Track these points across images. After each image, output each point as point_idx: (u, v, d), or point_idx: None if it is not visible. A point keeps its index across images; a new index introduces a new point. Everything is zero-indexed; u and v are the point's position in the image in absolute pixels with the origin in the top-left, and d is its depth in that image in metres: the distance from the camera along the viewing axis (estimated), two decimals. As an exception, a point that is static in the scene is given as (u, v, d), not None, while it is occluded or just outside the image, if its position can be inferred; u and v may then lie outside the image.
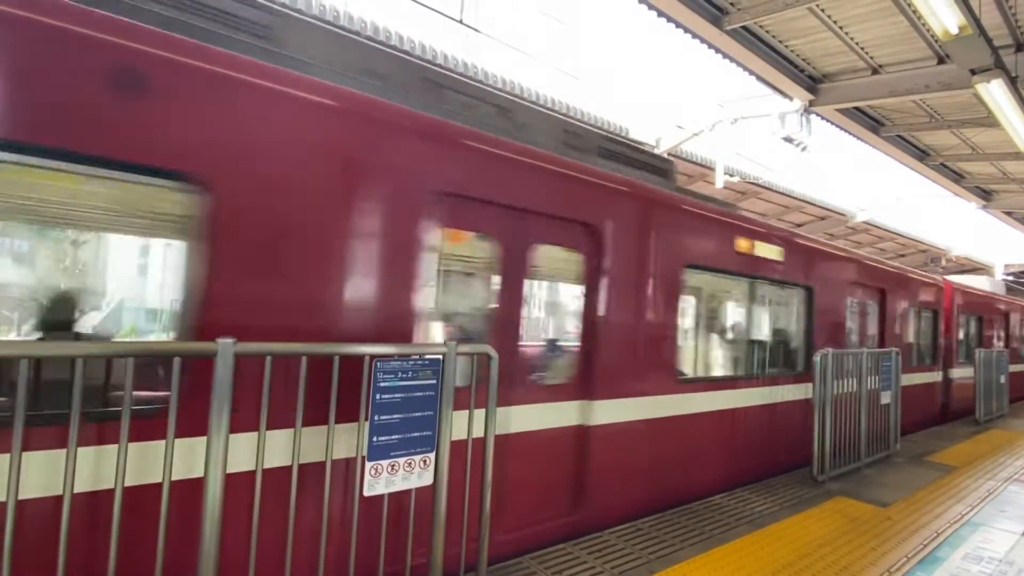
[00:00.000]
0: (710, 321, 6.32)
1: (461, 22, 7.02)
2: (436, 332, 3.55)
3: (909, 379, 8.09)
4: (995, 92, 6.27)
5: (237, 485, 2.23)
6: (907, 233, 19.64)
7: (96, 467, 2.11)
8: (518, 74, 8.82)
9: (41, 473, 1.99)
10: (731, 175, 12.28)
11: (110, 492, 1.95)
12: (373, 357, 2.54)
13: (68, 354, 1.91)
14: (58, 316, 2.93)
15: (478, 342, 3.45)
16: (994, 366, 9.75)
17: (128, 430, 1.96)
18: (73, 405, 1.86)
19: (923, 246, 20.78)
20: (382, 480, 2.53)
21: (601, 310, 4.12)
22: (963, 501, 5.12)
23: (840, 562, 3.66)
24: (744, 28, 7.34)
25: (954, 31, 5.05)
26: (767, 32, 7.63)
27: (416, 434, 2.64)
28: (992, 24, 6.62)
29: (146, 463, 2.16)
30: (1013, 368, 11.42)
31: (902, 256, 21.46)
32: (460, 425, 2.87)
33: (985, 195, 14.77)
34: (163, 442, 2.03)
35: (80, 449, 1.90)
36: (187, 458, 2.21)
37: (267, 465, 2.30)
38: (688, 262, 4.84)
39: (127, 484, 1.98)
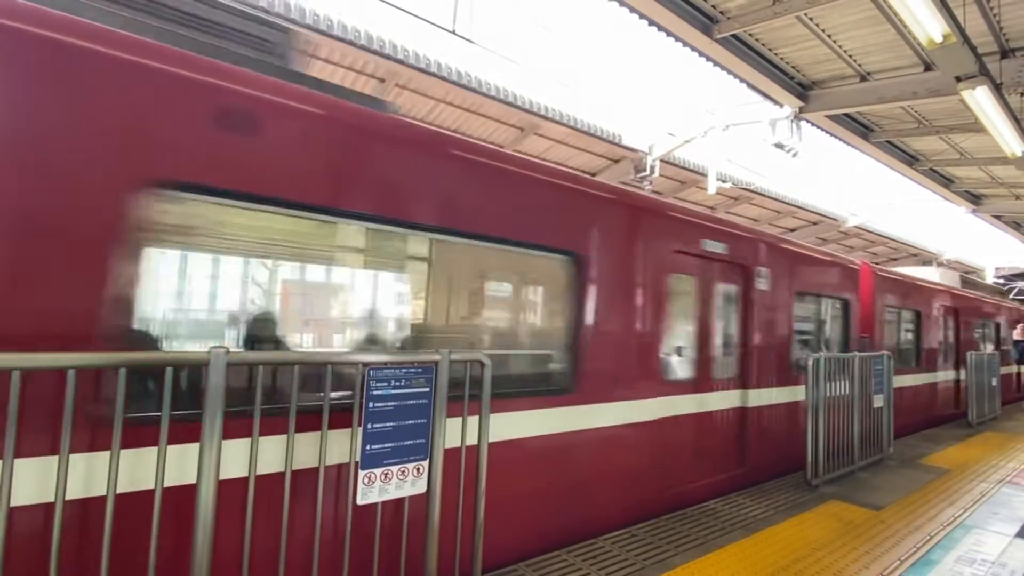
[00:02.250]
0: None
1: (454, 33, 7.09)
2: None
3: None
4: (980, 99, 6.38)
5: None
6: (899, 237, 19.83)
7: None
8: (512, 83, 8.90)
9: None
10: (723, 181, 12.39)
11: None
12: (366, 365, 2.55)
13: (61, 365, 1.92)
14: None
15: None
16: (985, 368, 9.82)
17: (120, 438, 1.98)
18: (65, 415, 1.87)
19: (915, 250, 20.99)
20: (375, 488, 2.53)
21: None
22: (956, 504, 5.15)
23: (834, 566, 3.67)
24: (734, 37, 7.45)
25: (938, 40, 5.14)
26: (757, 40, 7.74)
27: (409, 442, 2.65)
28: (977, 32, 6.74)
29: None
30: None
31: (894, 260, 21.64)
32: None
33: (975, 199, 14.94)
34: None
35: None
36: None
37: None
38: None
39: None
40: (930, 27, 5.05)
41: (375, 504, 2.59)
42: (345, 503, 2.56)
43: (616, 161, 11.99)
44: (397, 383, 2.60)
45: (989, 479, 6.08)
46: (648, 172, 11.33)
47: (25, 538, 1.96)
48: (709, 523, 4.32)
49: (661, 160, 11.47)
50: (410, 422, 2.65)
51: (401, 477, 2.62)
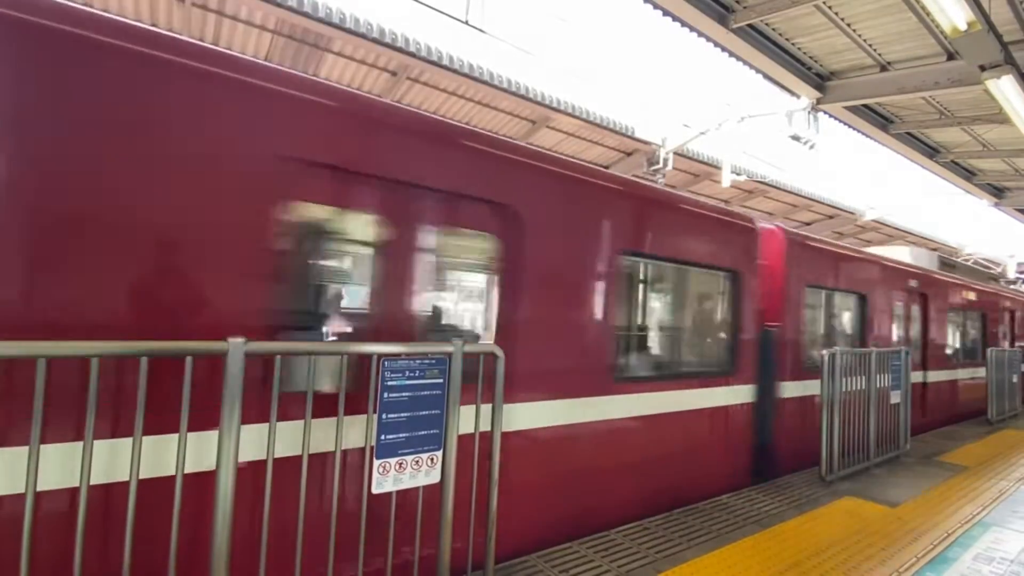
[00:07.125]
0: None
1: (467, 23, 7.07)
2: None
3: None
4: (1005, 88, 6.22)
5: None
6: (918, 231, 19.47)
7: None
8: (524, 76, 8.85)
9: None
10: (738, 174, 12.24)
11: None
12: (380, 356, 2.57)
13: (84, 354, 1.96)
14: None
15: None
16: (1006, 365, 9.63)
17: (142, 425, 2.02)
18: (89, 402, 1.92)
19: (934, 244, 20.60)
20: (390, 478, 2.56)
21: None
22: (975, 501, 5.07)
23: (848, 562, 3.64)
24: (750, 26, 7.32)
25: (963, 27, 5.01)
26: (774, 30, 7.61)
27: (423, 432, 2.67)
28: (1003, 19, 6.56)
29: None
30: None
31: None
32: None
33: (997, 192, 14.60)
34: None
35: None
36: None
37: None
38: None
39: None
40: (954, 14, 4.93)
41: (390, 494, 2.61)
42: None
43: (629, 154, 11.90)
44: (411, 374, 2.62)
45: (1009, 477, 5.98)
46: (661, 165, 11.23)
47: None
48: (722, 517, 4.31)
49: (675, 153, 11.36)
50: (424, 413, 2.67)
51: (415, 467, 2.64)
